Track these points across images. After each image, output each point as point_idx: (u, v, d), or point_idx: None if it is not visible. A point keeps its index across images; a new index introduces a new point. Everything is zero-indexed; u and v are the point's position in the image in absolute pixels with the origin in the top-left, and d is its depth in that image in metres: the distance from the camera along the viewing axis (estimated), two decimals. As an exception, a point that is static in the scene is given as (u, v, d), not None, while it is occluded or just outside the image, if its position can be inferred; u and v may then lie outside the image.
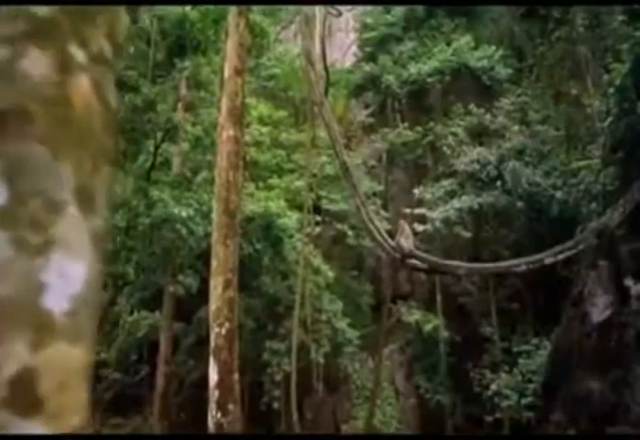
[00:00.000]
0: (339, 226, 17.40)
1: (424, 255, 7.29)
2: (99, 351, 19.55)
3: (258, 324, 15.32)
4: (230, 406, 6.43)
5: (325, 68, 10.00)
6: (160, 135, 11.74)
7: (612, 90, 9.26)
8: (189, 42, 11.25)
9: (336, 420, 17.76)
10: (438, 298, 19.82)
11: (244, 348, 16.98)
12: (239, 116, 7.58)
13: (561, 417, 8.29)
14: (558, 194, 17.14)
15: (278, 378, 14.19)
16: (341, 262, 21.81)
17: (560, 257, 6.18)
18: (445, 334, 18.40)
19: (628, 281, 7.88)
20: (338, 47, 32.97)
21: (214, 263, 7.24)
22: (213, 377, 6.68)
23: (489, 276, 6.87)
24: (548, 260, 6.20)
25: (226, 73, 7.81)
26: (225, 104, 7.67)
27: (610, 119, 8.86)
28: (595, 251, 8.21)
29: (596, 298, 7.90)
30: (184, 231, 10.77)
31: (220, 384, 6.52)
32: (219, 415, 6.32)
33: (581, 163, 11.62)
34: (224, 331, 6.91)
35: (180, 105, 13.67)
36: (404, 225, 7.72)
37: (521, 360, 15.14)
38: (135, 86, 10.41)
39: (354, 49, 28.59)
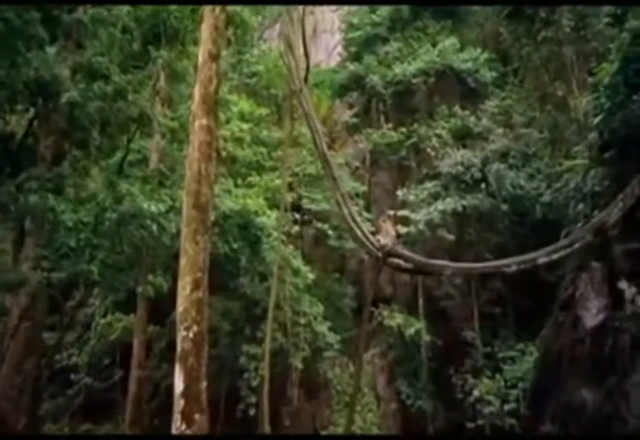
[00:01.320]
0: (321, 226, 16.93)
1: (408, 254, 6.89)
2: (70, 355, 18.81)
3: (235, 327, 14.77)
4: (196, 416, 5.92)
5: (306, 53, 9.58)
6: (133, 127, 11.15)
7: (603, 85, 8.98)
8: (165, 31, 10.72)
9: (315, 427, 17.25)
10: (420, 301, 19.56)
11: (221, 353, 16.48)
12: (213, 105, 7.10)
13: (551, 428, 7.91)
14: (543, 198, 16.98)
15: (254, 383, 13.65)
16: (323, 264, 21.38)
17: (554, 256, 5.81)
18: (426, 338, 18.12)
19: (622, 284, 7.56)
20: (324, 48, 32.70)
21: (182, 261, 6.73)
22: (178, 385, 6.16)
23: (475, 277, 6.51)
24: (541, 260, 5.82)
25: (200, 59, 7.34)
26: (198, 91, 7.19)
27: (601, 116, 8.57)
28: (587, 252, 7.89)
29: (588, 301, 7.56)
30: (155, 228, 10.19)
31: (186, 393, 6.01)
32: (184, 427, 5.81)
33: (568, 163, 11.37)
34: (191, 334, 6.41)
35: (157, 99, 13.12)
36: (386, 222, 7.33)
37: (505, 366, 14.83)
38: (105, 74, 9.86)
39: (339, 50, 28.27)
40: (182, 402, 5.97)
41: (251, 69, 20.13)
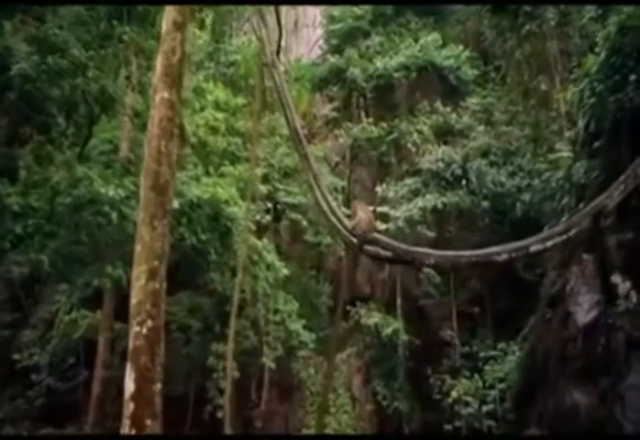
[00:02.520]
0: (297, 219, 16.33)
1: (387, 240, 6.34)
2: (31, 354, 17.82)
3: (205, 324, 14.05)
4: (148, 422, 5.27)
5: (279, 24, 9.00)
6: (97, 108, 10.38)
7: (592, 72, 8.62)
8: (131, 11, 9.96)
9: (287, 429, 16.62)
10: (398, 300, 19.19)
11: (190, 352, 15.77)
12: (176, 77, 6.46)
13: (537, 431, 7.42)
14: (523, 195, 16.77)
15: (223, 384, 12.98)
16: (300, 261, 20.84)
17: (549, 244, 5.32)
18: (404, 337, 17.70)
19: (616, 278, 7.10)
20: (305, 42, 32.06)
21: (137, 248, 6.08)
22: (128, 386, 5.50)
23: (462, 266, 6.02)
24: (534, 248, 5.32)
25: (164, 28, 6.69)
26: (160, 62, 6.54)
27: (593, 99, 8.19)
28: (577, 243, 7.46)
29: (580, 296, 7.07)
30: (115, 215, 9.43)
31: (136, 395, 5.36)
32: (133, 433, 5.15)
33: (552, 156, 11.05)
34: (145, 330, 5.76)
35: (129, 85, 12.35)
36: (363, 207, 6.80)
37: (486, 367, 14.42)
38: (63, 48, 9.09)
39: (320, 43, 27.69)
40: (131, 406, 5.31)
41: (229, 58, 19.46)
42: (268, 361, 14.06)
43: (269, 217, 15.18)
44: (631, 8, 8.60)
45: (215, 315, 14.33)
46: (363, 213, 6.62)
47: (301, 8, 31.57)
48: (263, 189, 14.77)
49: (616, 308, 7.03)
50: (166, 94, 6.40)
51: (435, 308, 19.76)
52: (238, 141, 15.44)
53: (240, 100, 17.19)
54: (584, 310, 6.81)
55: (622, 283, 7.02)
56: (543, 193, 14.38)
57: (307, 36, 31.52)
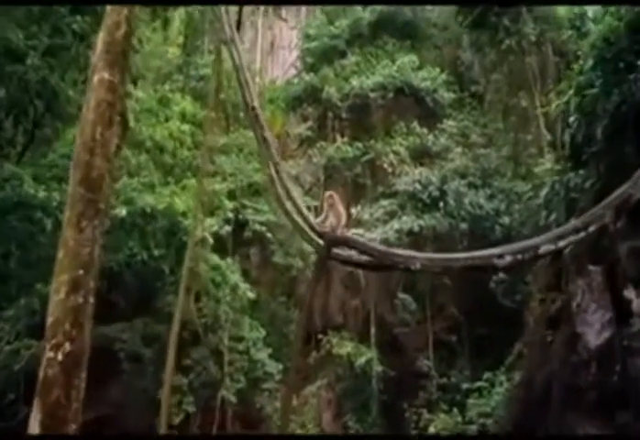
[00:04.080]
0: (265, 237, 15.30)
1: (362, 240, 5.38)
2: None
3: (158, 353, 12.63)
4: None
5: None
6: (40, 105, 9.28)
7: (589, 66, 8.09)
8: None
9: (250, 470, 15.10)
10: (372, 329, 18.31)
11: (145, 384, 14.27)
12: (119, 56, 5.52)
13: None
14: (503, 219, 16.23)
15: (178, 420, 11.58)
16: (270, 286, 19.78)
17: (561, 243, 4.42)
18: (378, 368, 16.85)
19: (629, 293, 6.24)
20: (280, 64, 31.72)
21: (59, 254, 4.98)
22: (33, 427, 4.30)
23: (455, 272, 5.08)
24: (545, 248, 4.39)
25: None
26: (101, 38, 5.61)
27: (584, 103, 7.59)
28: (580, 253, 6.61)
29: (588, 315, 6.13)
30: (49, 222, 8.21)
31: None
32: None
33: (537, 170, 10.48)
34: (60, 356, 4.59)
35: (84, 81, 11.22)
36: (335, 198, 5.84)
37: (469, 400, 13.34)
38: (-1, 35, 8.09)
39: (296, 64, 27.32)
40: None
41: (199, 72, 18.76)
42: (228, 394, 12.70)
43: (233, 234, 14.05)
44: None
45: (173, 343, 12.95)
46: (333, 207, 5.68)
47: (277, 30, 31.36)
48: (229, 204, 13.74)
49: (630, 328, 6.16)
50: (106, 75, 5.44)
51: (411, 337, 19.02)
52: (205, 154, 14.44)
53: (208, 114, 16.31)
54: (595, 331, 5.87)
55: (636, 299, 6.14)
56: (524, 215, 13.76)
57: (283, 58, 31.19)
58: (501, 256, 4.30)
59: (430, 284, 18.72)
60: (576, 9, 15.15)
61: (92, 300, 4.96)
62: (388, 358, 17.72)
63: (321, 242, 5.09)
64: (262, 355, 13.96)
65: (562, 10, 13.28)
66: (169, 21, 20.76)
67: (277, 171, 5.72)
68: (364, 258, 5.04)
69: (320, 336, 18.44)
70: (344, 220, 5.71)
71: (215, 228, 12.25)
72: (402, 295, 18.47)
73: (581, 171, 7.58)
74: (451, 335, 18.18)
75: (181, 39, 21.93)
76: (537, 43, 13.78)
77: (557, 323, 6.36)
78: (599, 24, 11.31)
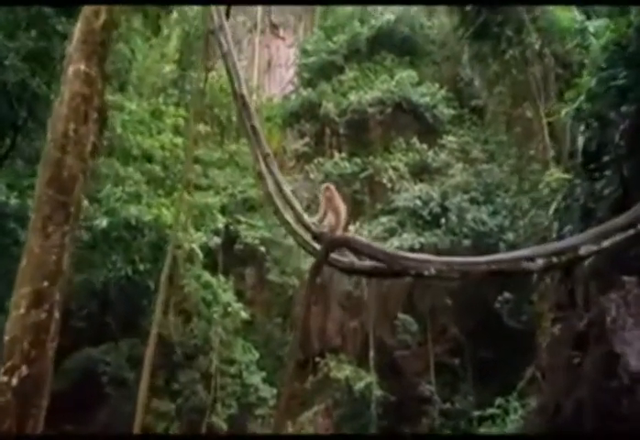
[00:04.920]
0: (260, 255, 14.68)
1: (367, 242, 4.74)
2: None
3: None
4: None
5: None
6: (21, 111, 8.74)
7: (604, 63, 7.69)
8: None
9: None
10: (371, 352, 17.66)
11: (131, 408, 13.43)
12: (98, 47, 5.04)
13: None
14: (507, 235, 15.68)
15: (163, 449, 10.78)
16: (266, 307, 19.12)
17: (605, 244, 3.79)
18: (377, 392, 16.15)
19: None
20: (277, 82, 31.60)
21: (22, 263, 4.37)
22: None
23: (477, 279, 4.47)
24: (586, 249, 3.75)
25: (88, -12, 5.33)
26: (79, 28, 5.13)
27: (597, 106, 7.15)
28: (608, 263, 5.99)
29: (627, 332, 5.44)
30: (22, 232, 7.53)
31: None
32: None
33: (549, 179, 10.00)
34: (15, 381, 3.94)
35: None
36: (333, 191, 5.27)
37: (483, 428, 12.51)
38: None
39: (293, 81, 27.13)
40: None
41: (194, 86, 18.39)
42: (219, 420, 11.88)
43: (226, 250, 13.43)
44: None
45: (159, 366, 12.17)
46: (332, 201, 5.11)
47: (274, 48, 31.32)
48: (222, 219, 13.15)
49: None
50: (82, 66, 4.94)
51: (412, 360, 18.35)
52: (197, 168, 13.98)
53: (202, 127, 15.92)
54: (636, 350, 5.21)
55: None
56: (529, 231, 13.22)
57: (280, 76, 31.08)
58: (532, 258, 3.70)
59: (430, 304, 18.15)
60: (577, 25, 14.99)
61: (57, 315, 4.33)
62: (388, 382, 17.07)
63: (317, 246, 4.50)
64: (256, 379, 13.18)
65: (565, 21, 13.03)
66: (166, 38, 20.61)
67: (267, 164, 5.19)
68: (367, 263, 4.43)
69: (317, 359, 17.79)
70: (344, 217, 5.11)
71: (205, 241, 11.63)
72: (402, 316, 17.83)
73: (599, 179, 7.13)
74: (454, 359, 17.51)
75: (177, 56, 21.74)
76: (540, 54, 13.48)
77: (586, 342, 5.72)
78: (600, 38, 11.13)
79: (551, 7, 12.88)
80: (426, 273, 3.92)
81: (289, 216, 4.84)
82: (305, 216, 4.87)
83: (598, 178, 7.55)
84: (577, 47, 13.21)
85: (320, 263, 4.56)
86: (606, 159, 7.00)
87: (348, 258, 4.70)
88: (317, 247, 4.59)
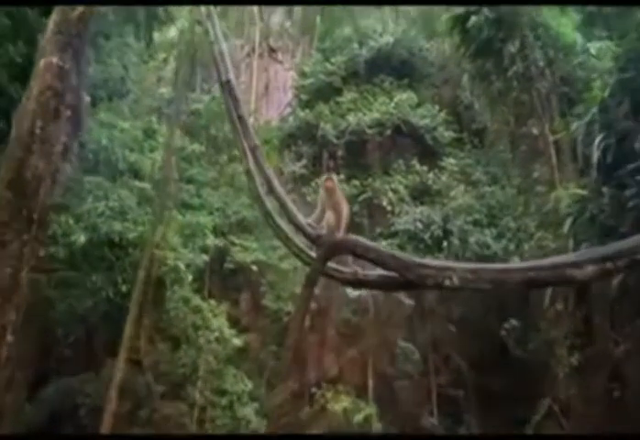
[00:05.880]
0: (254, 279, 14.05)
1: (374, 245, 4.07)
2: None
3: (131, 406, 11.03)
4: None
5: None
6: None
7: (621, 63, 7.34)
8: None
9: None
10: (370, 382, 16.84)
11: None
12: (73, 38, 4.58)
13: None
14: (513, 259, 15.14)
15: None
16: (261, 334, 18.37)
17: None
18: (377, 425, 15.32)
19: None
20: (275, 106, 31.53)
21: (-29, 277, 3.75)
22: None
23: (511, 288, 3.85)
24: None
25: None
26: (53, 18, 4.67)
27: (612, 115, 6.77)
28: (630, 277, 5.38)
29: None
30: None
31: None
32: None
33: (561, 193, 9.51)
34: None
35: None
36: (334, 183, 4.65)
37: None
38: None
39: (291, 103, 27.01)
40: None
41: (190, 107, 18.20)
42: (207, 457, 11.03)
43: (218, 273, 12.82)
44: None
45: (146, 396, 11.37)
46: (332, 196, 4.49)
47: (273, 72, 31.34)
48: (215, 241, 12.57)
49: None
50: (55, 59, 4.55)
51: (413, 391, 17.61)
52: (190, 187, 13.50)
53: (197, 147, 15.55)
54: None
55: None
56: (536, 255, 12.69)
57: (278, 99, 31.02)
58: (578, 265, 3.09)
59: (432, 332, 17.54)
60: (578, 47, 14.85)
61: (11, 338, 3.69)
62: (388, 414, 16.26)
63: (314, 254, 3.86)
64: (248, 410, 12.34)
65: (569, 37, 12.85)
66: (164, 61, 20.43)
67: (255, 158, 4.65)
68: (375, 272, 3.77)
69: (314, 390, 17.01)
70: (345, 216, 4.42)
71: (196, 263, 11.02)
72: (402, 344, 17.14)
73: (620, 192, 6.67)
74: (457, 390, 16.82)
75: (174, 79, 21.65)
76: (544, 71, 13.28)
77: (622, 372, 5.09)
78: (602, 59, 10.95)
79: (554, 24, 12.72)
80: (447, 283, 3.32)
81: (279, 217, 4.25)
82: (300, 216, 4.26)
83: (617, 191, 7.08)
84: (580, 65, 13.04)
85: (317, 270, 3.90)
86: (631, 167, 6.55)
87: (351, 267, 4.05)
88: (314, 254, 3.95)
